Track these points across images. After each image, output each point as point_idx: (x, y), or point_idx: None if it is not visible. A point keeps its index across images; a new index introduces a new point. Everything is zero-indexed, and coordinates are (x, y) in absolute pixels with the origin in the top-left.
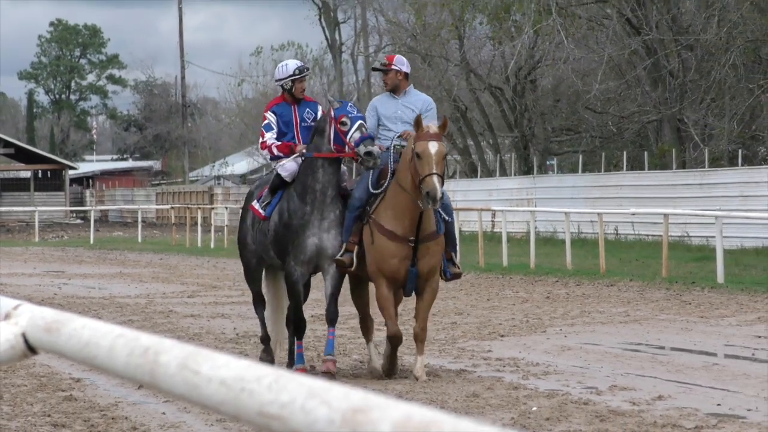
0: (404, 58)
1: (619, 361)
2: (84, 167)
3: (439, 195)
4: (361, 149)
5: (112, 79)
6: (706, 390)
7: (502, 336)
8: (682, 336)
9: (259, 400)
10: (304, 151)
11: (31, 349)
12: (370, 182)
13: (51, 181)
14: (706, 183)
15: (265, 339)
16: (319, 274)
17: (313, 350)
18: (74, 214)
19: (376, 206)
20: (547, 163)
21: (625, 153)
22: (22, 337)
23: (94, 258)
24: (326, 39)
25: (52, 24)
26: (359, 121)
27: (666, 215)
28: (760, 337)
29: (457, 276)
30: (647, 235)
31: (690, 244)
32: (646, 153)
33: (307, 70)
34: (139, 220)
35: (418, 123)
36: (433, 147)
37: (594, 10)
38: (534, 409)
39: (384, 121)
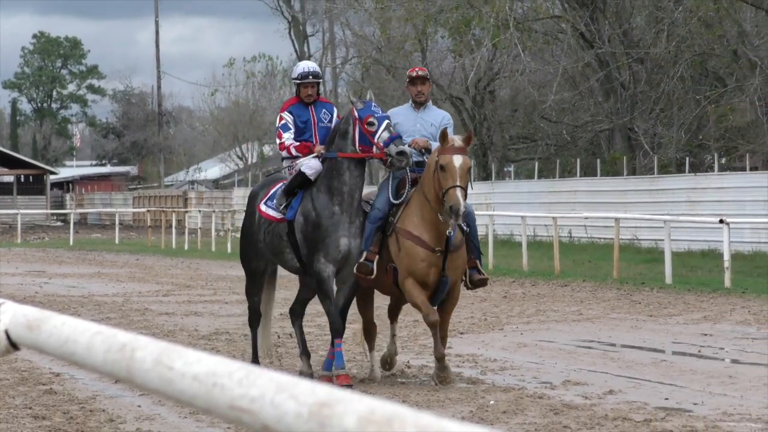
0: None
1: (572, 358)
2: (64, 172)
3: (462, 209)
4: (392, 149)
5: (91, 88)
6: (654, 385)
7: (462, 333)
8: (632, 334)
9: (230, 395)
10: (323, 152)
11: (13, 345)
12: (390, 193)
13: (33, 185)
14: (655, 189)
15: (255, 363)
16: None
17: (283, 347)
18: (55, 217)
19: (400, 215)
20: (505, 169)
21: (578, 160)
22: (5, 334)
23: (74, 258)
24: (295, 51)
25: (35, 36)
26: (386, 121)
27: (617, 219)
28: (705, 335)
29: (483, 283)
30: (599, 238)
31: (640, 247)
32: (598, 160)
33: (314, 76)
34: (117, 222)
35: (444, 136)
36: (457, 160)
37: (550, 25)
38: (491, 402)
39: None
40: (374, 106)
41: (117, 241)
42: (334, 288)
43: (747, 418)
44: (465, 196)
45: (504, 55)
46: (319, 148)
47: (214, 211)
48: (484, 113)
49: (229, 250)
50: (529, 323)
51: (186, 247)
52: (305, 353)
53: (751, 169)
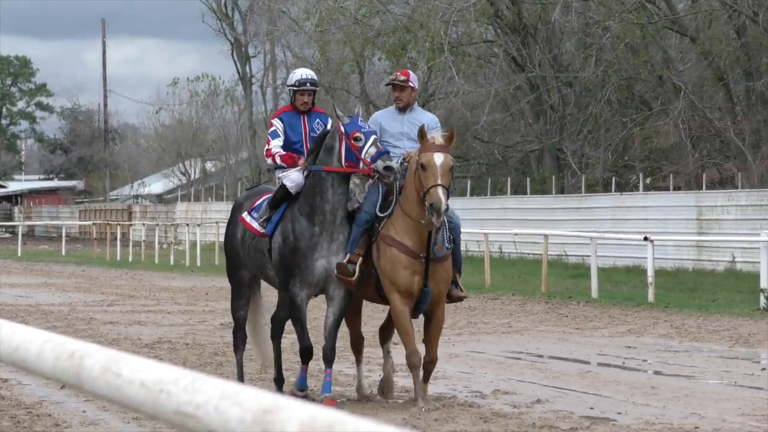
0: (414, 75)
1: (501, 368)
2: (13, 186)
3: (443, 207)
4: (379, 164)
5: (40, 105)
6: (580, 395)
7: (396, 344)
8: (559, 345)
9: (176, 401)
10: (307, 165)
11: None
12: (378, 204)
13: None
14: (582, 207)
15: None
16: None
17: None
18: (3, 229)
19: (385, 222)
20: None
21: (509, 179)
22: None
23: (22, 269)
24: (238, 72)
25: None
26: (373, 136)
27: (546, 236)
28: (629, 347)
29: (460, 299)
30: (529, 254)
31: (567, 263)
32: (528, 179)
33: (312, 84)
34: (63, 234)
35: (422, 134)
36: (438, 158)
37: (483, 49)
38: (423, 410)
39: (387, 138)
40: (360, 121)
41: (64, 253)
42: (306, 312)
43: (669, 428)
44: (447, 196)
45: (439, 77)
46: (304, 162)
47: (157, 225)
48: None
49: (172, 262)
50: (461, 335)
51: (130, 259)
52: (279, 379)
53: (674, 189)
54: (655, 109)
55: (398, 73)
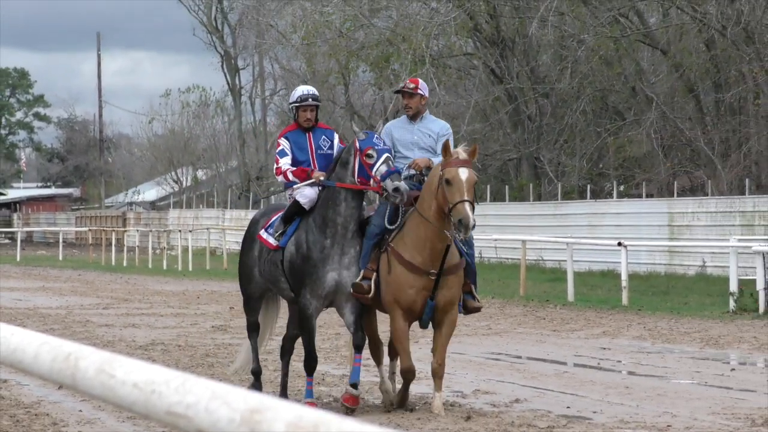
0: (424, 83)
1: (481, 369)
2: (12, 194)
3: (471, 223)
4: (389, 184)
5: (38, 116)
6: (557, 394)
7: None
8: (537, 347)
9: (168, 401)
10: (321, 178)
11: None
12: (386, 216)
13: None
14: (559, 213)
15: (257, 372)
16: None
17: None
18: (3, 235)
19: (395, 235)
20: None
21: (488, 186)
22: None
23: (20, 273)
24: (227, 83)
25: None
26: (386, 154)
27: (524, 241)
28: (604, 348)
29: (477, 309)
30: (507, 259)
31: (544, 267)
32: (507, 187)
33: (314, 99)
34: (60, 240)
35: (446, 148)
36: (463, 173)
37: (463, 62)
38: (407, 410)
39: (399, 148)
40: (376, 138)
41: (61, 258)
42: (315, 325)
43: (642, 426)
44: (473, 211)
45: None
46: (318, 174)
47: (150, 231)
48: None
49: (164, 266)
50: None
51: (125, 264)
52: (283, 395)
53: (647, 196)
54: (629, 120)
55: (408, 81)
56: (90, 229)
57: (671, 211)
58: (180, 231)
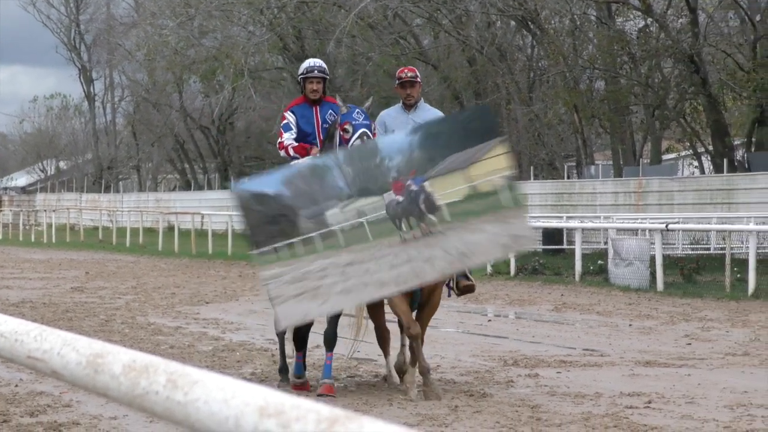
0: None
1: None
2: None
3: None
4: None
5: None
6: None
7: (207, 302)
8: None
9: (28, 348)
10: (318, 155)
11: None
12: None
13: None
14: None
15: (283, 370)
16: None
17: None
18: None
19: None
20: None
21: None
22: None
23: None
24: (84, 91)
25: None
26: (362, 129)
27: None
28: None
29: (470, 289)
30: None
31: None
32: None
33: (320, 71)
34: None
35: None
36: None
37: (275, 74)
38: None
39: None
40: (357, 112)
41: None
42: None
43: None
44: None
45: (240, 96)
46: (315, 151)
47: (21, 210)
48: (225, 139)
49: (33, 239)
50: (258, 295)
51: (0, 237)
52: (284, 369)
53: None
54: None
55: (405, 70)
56: None
57: None
58: (45, 211)
